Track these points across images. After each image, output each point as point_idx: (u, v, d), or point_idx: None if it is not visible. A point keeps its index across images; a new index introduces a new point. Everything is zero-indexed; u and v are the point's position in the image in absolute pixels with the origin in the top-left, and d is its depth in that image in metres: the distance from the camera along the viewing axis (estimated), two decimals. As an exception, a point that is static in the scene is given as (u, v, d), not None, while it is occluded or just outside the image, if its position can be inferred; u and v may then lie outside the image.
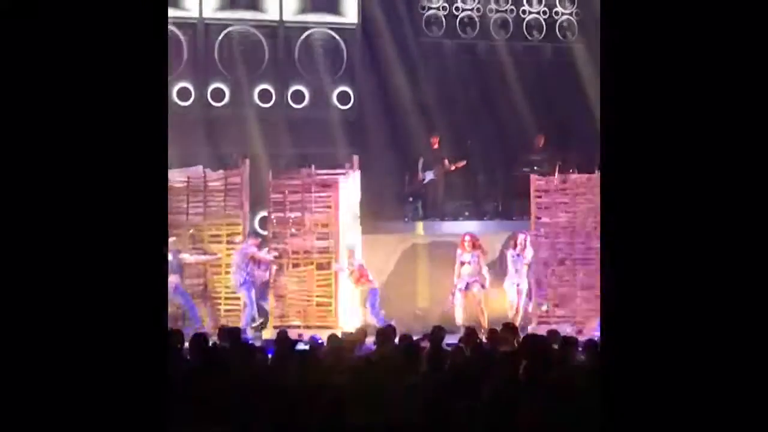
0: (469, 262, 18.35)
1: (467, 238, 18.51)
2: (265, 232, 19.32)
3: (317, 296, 18.42)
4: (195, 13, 21.33)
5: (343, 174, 18.77)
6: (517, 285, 18.48)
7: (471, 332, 11.76)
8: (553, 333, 12.45)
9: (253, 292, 18.10)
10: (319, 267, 18.51)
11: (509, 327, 12.41)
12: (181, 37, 21.16)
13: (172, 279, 17.36)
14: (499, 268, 19.28)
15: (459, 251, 18.50)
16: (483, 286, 18.39)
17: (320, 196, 18.57)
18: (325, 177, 18.67)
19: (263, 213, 19.83)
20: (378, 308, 18.11)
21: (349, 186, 18.79)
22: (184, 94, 21.12)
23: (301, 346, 11.63)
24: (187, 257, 18.47)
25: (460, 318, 18.02)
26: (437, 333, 11.60)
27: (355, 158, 19.00)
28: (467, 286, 18.33)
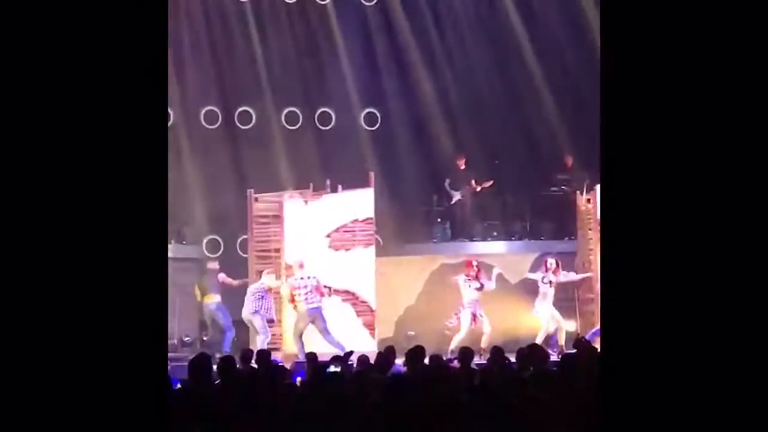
0: (478, 288, 18.26)
1: (475, 265, 18.44)
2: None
3: None
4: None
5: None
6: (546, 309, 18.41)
7: (498, 351, 11.74)
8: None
9: (265, 320, 18.17)
10: None
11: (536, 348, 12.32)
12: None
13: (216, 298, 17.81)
14: (524, 290, 19.26)
15: (464, 277, 18.39)
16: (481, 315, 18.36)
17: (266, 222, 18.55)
18: (269, 204, 18.68)
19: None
20: (330, 332, 17.64)
21: (364, 201, 18.74)
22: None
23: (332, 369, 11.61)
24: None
25: (458, 340, 17.84)
26: (466, 353, 11.56)
27: (371, 174, 18.97)
28: (474, 314, 18.23)
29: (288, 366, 12.62)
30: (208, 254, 20.29)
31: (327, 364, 11.03)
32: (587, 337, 18.01)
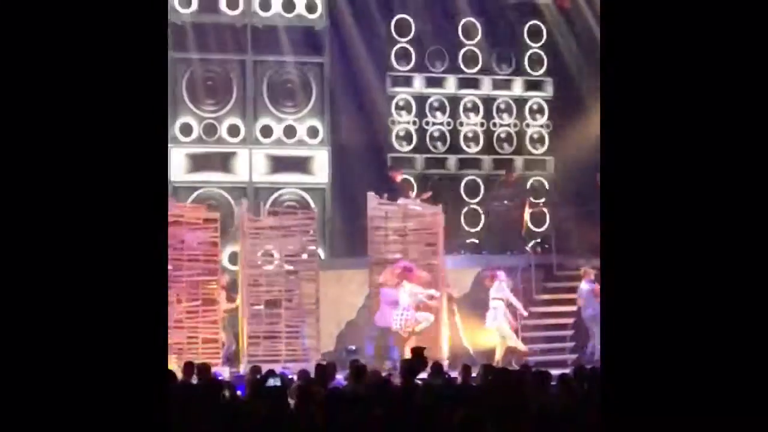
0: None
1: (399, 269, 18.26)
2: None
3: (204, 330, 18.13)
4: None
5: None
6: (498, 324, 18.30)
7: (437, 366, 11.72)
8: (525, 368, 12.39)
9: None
10: (206, 303, 18.20)
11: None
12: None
13: None
14: (468, 305, 19.21)
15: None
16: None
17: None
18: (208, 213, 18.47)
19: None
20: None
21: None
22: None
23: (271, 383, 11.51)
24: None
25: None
26: (411, 368, 11.49)
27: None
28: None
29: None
30: None
31: (266, 377, 10.90)
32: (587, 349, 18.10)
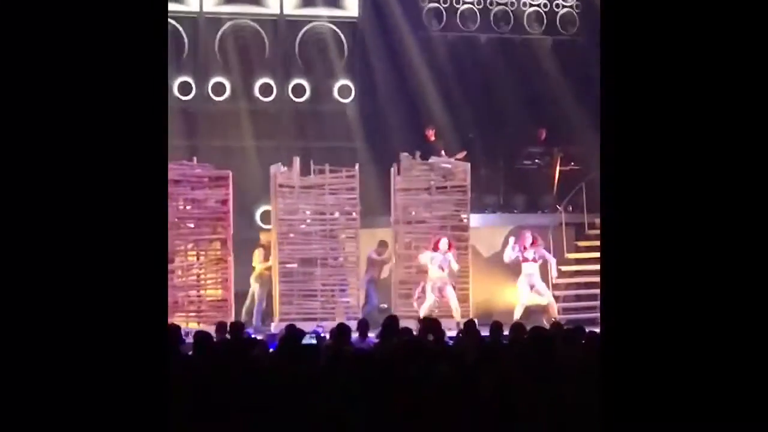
0: (441, 266, 18.10)
1: (444, 241, 18.31)
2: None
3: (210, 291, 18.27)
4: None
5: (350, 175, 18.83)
6: (531, 284, 18.29)
7: (471, 324, 11.77)
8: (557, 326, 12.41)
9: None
10: (215, 262, 18.28)
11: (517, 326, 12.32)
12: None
13: None
14: (497, 264, 19.24)
15: (428, 254, 18.22)
16: (454, 287, 18.27)
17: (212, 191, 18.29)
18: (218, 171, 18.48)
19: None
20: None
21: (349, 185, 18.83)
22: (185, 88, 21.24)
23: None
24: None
25: (423, 312, 17.71)
26: (434, 325, 11.53)
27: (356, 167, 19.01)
28: (440, 289, 18.12)
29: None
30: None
31: (301, 335, 10.98)
32: None
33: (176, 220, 17.78)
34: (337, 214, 18.80)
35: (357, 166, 18.88)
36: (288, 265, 18.49)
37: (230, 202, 18.08)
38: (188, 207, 18.12)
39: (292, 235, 18.61)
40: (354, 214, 18.83)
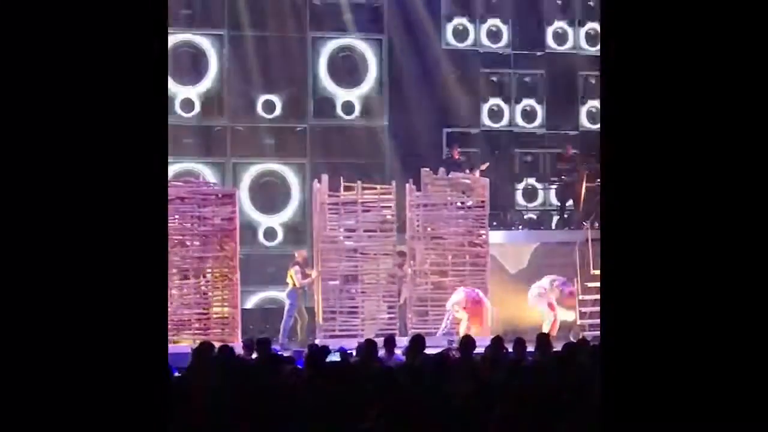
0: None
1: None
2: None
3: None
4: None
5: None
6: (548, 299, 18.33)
7: (498, 340, 11.74)
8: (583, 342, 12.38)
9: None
10: (221, 279, 18.31)
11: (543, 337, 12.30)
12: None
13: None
14: (523, 280, 19.25)
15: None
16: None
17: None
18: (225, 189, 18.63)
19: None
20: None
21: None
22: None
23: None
24: None
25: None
26: (468, 343, 11.54)
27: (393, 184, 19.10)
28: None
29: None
30: None
31: (326, 352, 10.99)
32: None
33: (183, 237, 17.84)
34: (377, 231, 18.88)
35: (393, 183, 18.94)
36: (331, 282, 18.60)
37: (237, 220, 18.21)
38: (195, 224, 18.18)
39: (333, 251, 18.70)
40: (392, 230, 18.89)
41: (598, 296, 19.15)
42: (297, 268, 18.62)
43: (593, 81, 22.68)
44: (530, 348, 11.58)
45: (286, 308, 18.59)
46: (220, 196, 18.32)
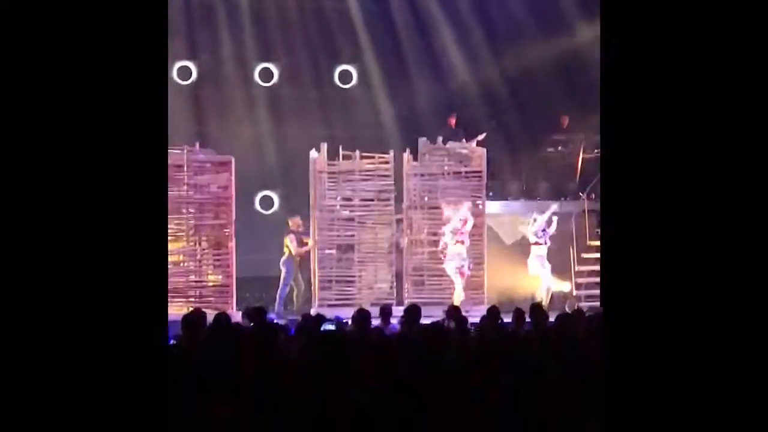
0: (463, 242, 18.12)
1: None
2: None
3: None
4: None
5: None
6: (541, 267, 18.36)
7: (494, 310, 11.70)
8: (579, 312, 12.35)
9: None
10: (216, 246, 18.31)
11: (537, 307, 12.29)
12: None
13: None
14: (519, 251, 19.24)
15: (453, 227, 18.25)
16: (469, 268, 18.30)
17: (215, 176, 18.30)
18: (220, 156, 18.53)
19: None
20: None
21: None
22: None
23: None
24: None
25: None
26: (458, 312, 11.53)
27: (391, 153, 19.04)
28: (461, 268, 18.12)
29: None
30: None
31: (321, 321, 10.94)
32: None
33: (178, 204, 17.77)
34: (374, 200, 18.84)
35: (392, 153, 18.89)
36: (327, 251, 18.57)
37: (232, 188, 18.17)
38: (190, 192, 18.11)
39: (330, 220, 18.65)
40: (390, 200, 18.82)
41: (593, 267, 19.23)
42: (292, 236, 18.59)
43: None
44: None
45: (282, 276, 18.55)
46: (215, 163, 18.24)
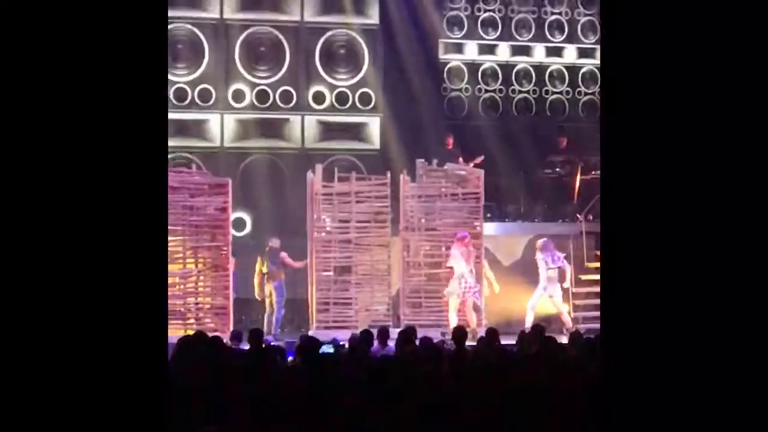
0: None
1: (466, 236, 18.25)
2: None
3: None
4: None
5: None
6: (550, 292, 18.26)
7: (492, 332, 11.71)
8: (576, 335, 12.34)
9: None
10: (214, 269, 18.27)
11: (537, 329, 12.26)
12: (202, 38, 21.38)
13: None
14: (517, 272, 19.20)
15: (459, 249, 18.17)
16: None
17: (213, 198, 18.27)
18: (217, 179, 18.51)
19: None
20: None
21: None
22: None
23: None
24: None
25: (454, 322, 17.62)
26: (459, 333, 11.53)
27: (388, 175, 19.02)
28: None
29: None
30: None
31: (318, 344, 10.95)
32: None
33: (174, 227, 17.74)
34: (371, 222, 18.84)
35: (388, 174, 18.88)
36: (324, 273, 18.54)
37: (229, 210, 18.17)
38: (186, 214, 18.11)
39: (326, 242, 18.64)
40: (386, 221, 18.82)
41: (591, 289, 19.20)
42: (284, 253, 18.56)
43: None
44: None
45: (275, 300, 18.52)
46: (212, 185, 18.25)
